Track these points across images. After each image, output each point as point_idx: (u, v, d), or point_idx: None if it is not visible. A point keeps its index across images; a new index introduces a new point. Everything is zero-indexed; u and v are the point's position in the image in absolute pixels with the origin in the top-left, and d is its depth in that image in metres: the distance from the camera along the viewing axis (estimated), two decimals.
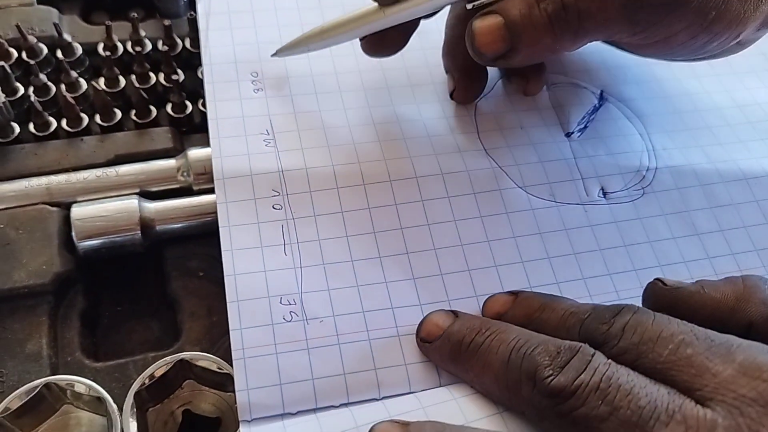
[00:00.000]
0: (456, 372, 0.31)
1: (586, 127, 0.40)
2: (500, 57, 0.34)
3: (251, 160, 0.37)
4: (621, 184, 0.38)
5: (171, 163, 0.39)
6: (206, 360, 0.32)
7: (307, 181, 0.36)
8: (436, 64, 0.42)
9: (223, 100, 0.40)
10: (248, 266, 0.33)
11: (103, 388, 0.31)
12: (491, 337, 0.29)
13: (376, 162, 0.38)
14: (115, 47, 0.44)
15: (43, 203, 0.36)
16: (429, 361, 0.32)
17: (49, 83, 0.42)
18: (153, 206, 0.37)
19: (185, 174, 0.39)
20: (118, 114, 0.41)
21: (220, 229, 0.34)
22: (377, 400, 0.31)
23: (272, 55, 0.40)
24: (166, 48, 0.44)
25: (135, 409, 0.30)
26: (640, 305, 0.28)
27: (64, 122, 0.41)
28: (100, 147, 0.40)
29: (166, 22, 0.44)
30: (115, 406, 0.30)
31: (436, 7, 0.35)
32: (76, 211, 0.36)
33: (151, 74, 0.43)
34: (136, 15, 0.44)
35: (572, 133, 0.40)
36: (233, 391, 0.30)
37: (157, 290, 0.37)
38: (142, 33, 0.45)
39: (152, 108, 0.42)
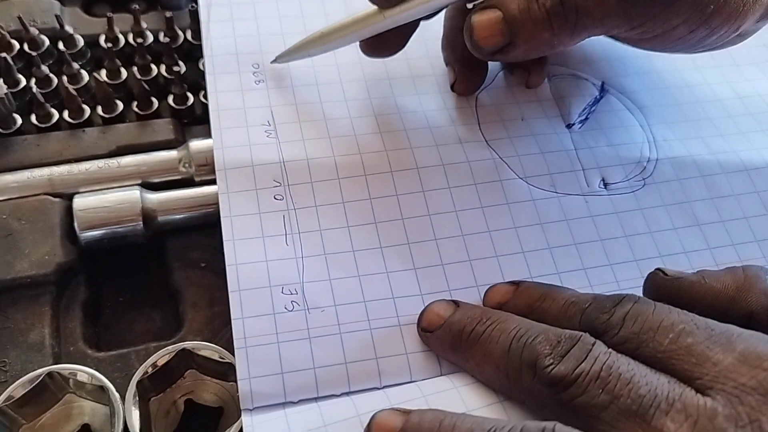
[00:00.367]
0: (457, 361, 0.31)
1: (587, 118, 0.40)
2: (498, 51, 0.34)
3: (253, 151, 0.37)
4: (622, 175, 0.38)
5: (173, 154, 0.39)
6: (208, 349, 0.32)
7: (308, 172, 0.37)
8: (437, 55, 0.42)
9: (224, 92, 0.40)
10: (250, 256, 0.33)
11: (106, 377, 0.31)
12: (492, 326, 0.29)
13: (377, 153, 0.38)
14: (117, 39, 0.44)
15: (45, 194, 0.37)
16: (430, 350, 0.32)
17: (51, 75, 0.42)
18: (155, 197, 0.37)
19: (187, 165, 0.39)
20: (120, 105, 0.41)
21: (222, 220, 0.34)
22: (378, 389, 0.31)
23: (272, 62, 0.40)
24: (167, 40, 0.44)
25: (137, 398, 0.30)
26: (641, 295, 0.28)
27: (66, 114, 0.41)
28: (102, 138, 0.40)
29: (168, 14, 0.44)
30: (117, 395, 0.30)
31: (435, 8, 0.35)
32: (79, 202, 0.36)
33: (153, 66, 0.43)
34: (137, 7, 0.44)
35: (573, 124, 0.40)
36: (235, 381, 0.30)
37: (159, 281, 0.37)
38: (144, 25, 0.45)
39: (154, 99, 0.42)
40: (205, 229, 0.37)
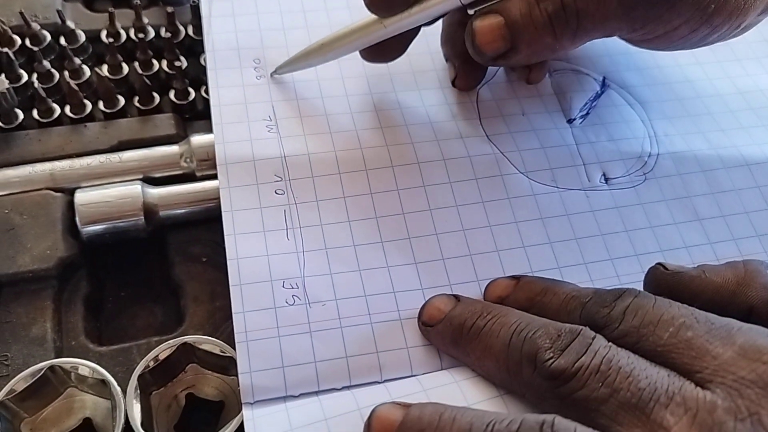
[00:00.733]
0: (457, 355, 0.31)
1: (588, 113, 0.40)
2: (500, 56, 0.34)
3: (254, 146, 0.37)
4: (623, 169, 0.38)
5: (174, 149, 0.39)
6: (209, 343, 0.32)
7: (309, 167, 0.37)
8: (438, 50, 0.42)
9: (225, 87, 0.40)
10: (251, 250, 0.33)
11: (107, 371, 0.31)
12: (492, 320, 0.29)
13: (378, 148, 0.38)
14: (118, 34, 0.44)
15: (47, 189, 0.37)
16: (430, 344, 0.32)
17: (53, 70, 0.42)
18: (156, 192, 0.37)
19: (188, 160, 0.39)
20: (122, 101, 0.41)
21: (223, 214, 0.34)
22: (379, 382, 0.31)
23: (272, 74, 0.40)
24: (168, 35, 0.44)
25: (139, 392, 0.31)
26: (642, 290, 0.28)
27: (67, 109, 0.41)
28: (103, 133, 0.40)
29: (169, 9, 0.44)
30: (119, 388, 0.30)
31: (435, 16, 0.35)
32: (80, 197, 0.36)
33: (154, 61, 0.43)
34: (138, 2, 0.44)
35: (574, 119, 0.40)
36: (236, 375, 0.30)
37: (161, 275, 0.38)
38: (145, 20, 0.45)
39: (155, 95, 0.42)
40: (206, 223, 0.37)
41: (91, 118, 0.41)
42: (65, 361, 0.31)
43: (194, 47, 0.45)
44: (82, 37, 0.44)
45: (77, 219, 0.35)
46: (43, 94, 0.40)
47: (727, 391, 0.23)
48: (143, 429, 0.29)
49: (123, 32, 0.45)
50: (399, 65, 0.42)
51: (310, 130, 0.38)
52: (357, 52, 0.38)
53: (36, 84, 0.41)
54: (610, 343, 0.26)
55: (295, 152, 0.37)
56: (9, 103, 0.39)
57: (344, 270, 0.34)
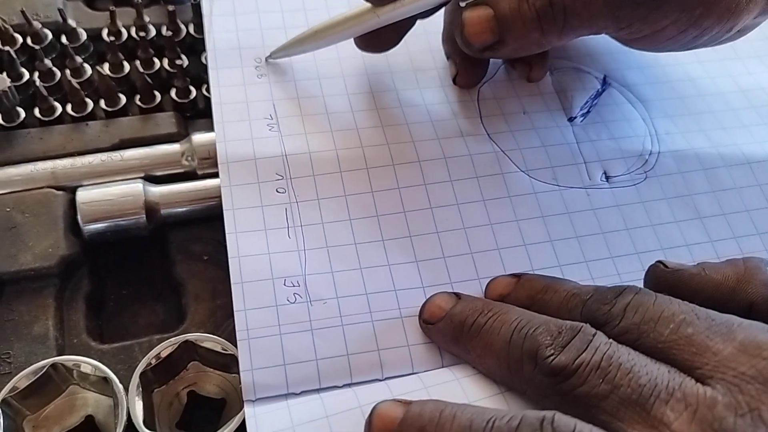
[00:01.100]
0: (458, 353, 0.31)
1: (588, 111, 0.40)
2: (488, 48, 0.35)
3: (255, 145, 0.37)
4: (623, 168, 0.38)
5: (175, 147, 0.39)
6: (211, 341, 0.32)
7: (310, 165, 0.37)
8: (439, 48, 0.42)
9: (227, 86, 0.40)
10: (252, 248, 0.33)
11: (109, 369, 0.31)
12: (493, 318, 0.29)
13: (379, 146, 0.38)
14: (120, 33, 0.44)
15: (48, 187, 0.37)
16: (431, 342, 0.32)
17: (54, 68, 0.42)
18: (158, 190, 0.37)
19: (189, 158, 0.39)
20: (123, 99, 0.41)
21: (225, 212, 0.34)
22: (380, 380, 0.31)
23: (267, 58, 0.41)
24: (170, 33, 0.44)
25: (141, 390, 0.31)
26: (642, 287, 0.28)
27: (69, 107, 0.41)
28: (104, 132, 0.40)
29: (170, 8, 0.44)
30: (121, 386, 0.30)
31: (427, 7, 0.35)
32: (82, 195, 0.36)
33: (155, 60, 0.43)
34: (140, 0, 0.44)
35: (575, 117, 0.40)
36: (237, 373, 0.30)
37: (162, 274, 0.38)
38: (146, 18, 0.45)
39: (156, 93, 0.42)
40: (207, 222, 0.37)
41: (92, 116, 0.41)
42: (67, 359, 0.31)
43: (195, 45, 0.45)
44: (84, 36, 0.44)
45: (79, 217, 0.36)
46: (45, 93, 0.40)
47: (727, 387, 0.23)
48: (145, 426, 0.29)
49: (124, 31, 0.45)
50: (400, 63, 0.42)
51: (311, 129, 0.38)
52: (354, 45, 0.39)
53: (37, 82, 0.41)
54: (611, 340, 0.26)
55: (297, 151, 0.37)
56: (10, 102, 0.40)
57: (345, 268, 0.34)
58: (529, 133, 0.39)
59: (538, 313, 0.29)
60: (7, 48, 0.41)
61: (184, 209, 0.37)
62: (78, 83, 0.41)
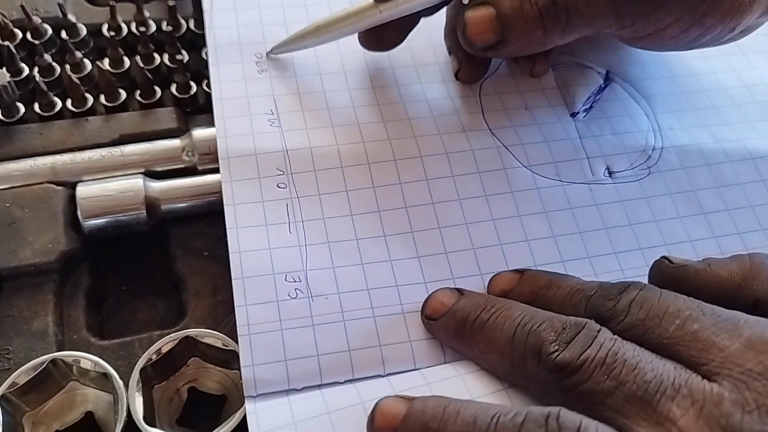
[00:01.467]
0: (461, 349, 0.31)
1: (591, 107, 0.40)
2: (491, 48, 0.34)
3: (256, 140, 0.37)
4: (627, 163, 0.38)
5: (176, 143, 0.39)
6: (212, 337, 0.32)
7: (311, 161, 0.36)
8: (441, 44, 0.41)
9: (227, 81, 0.40)
10: (253, 244, 0.33)
11: (109, 365, 0.31)
12: (496, 313, 0.29)
13: (381, 142, 0.38)
14: (120, 28, 0.44)
15: (48, 182, 0.37)
16: (433, 338, 0.32)
17: (54, 64, 0.42)
18: (158, 186, 0.37)
19: (190, 154, 0.38)
20: (123, 94, 0.41)
21: (225, 207, 0.34)
22: (382, 376, 0.31)
23: (268, 54, 0.41)
24: (170, 29, 0.44)
25: (141, 386, 0.30)
26: (647, 283, 0.28)
27: (69, 102, 0.40)
28: (105, 127, 0.40)
29: (171, 3, 0.44)
30: (121, 382, 0.30)
31: (430, 4, 0.35)
32: (82, 191, 0.36)
33: (156, 55, 0.43)
34: None
35: (578, 113, 0.40)
36: (238, 369, 0.30)
37: (163, 269, 0.37)
38: (147, 14, 0.45)
39: (156, 88, 0.42)
40: (208, 217, 0.37)
41: (92, 111, 0.41)
42: (67, 355, 0.31)
43: (195, 41, 0.45)
44: (84, 31, 0.44)
45: (79, 213, 0.35)
46: (45, 88, 0.40)
47: (734, 383, 0.23)
48: (145, 423, 0.29)
49: (124, 26, 0.44)
50: (401, 59, 0.41)
51: (312, 124, 0.38)
52: (358, 44, 0.38)
53: (37, 78, 0.40)
54: (616, 336, 0.25)
55: (298, 146, 0.37)
56: (10, 97, 0.39)
57: (347, 264, 0.33)
58: (532, 129, 0.39)
59: (541, 309, 0.28)
60: (6, 43, 0.41)
61: (185, 205, 0.37)
62: (78, 78, 0.41)
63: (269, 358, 0.30)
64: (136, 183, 0.36)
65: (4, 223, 0.35)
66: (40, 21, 0.43)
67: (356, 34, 0.38)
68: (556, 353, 0.25)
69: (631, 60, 0.43)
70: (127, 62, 0.43)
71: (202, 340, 0.32)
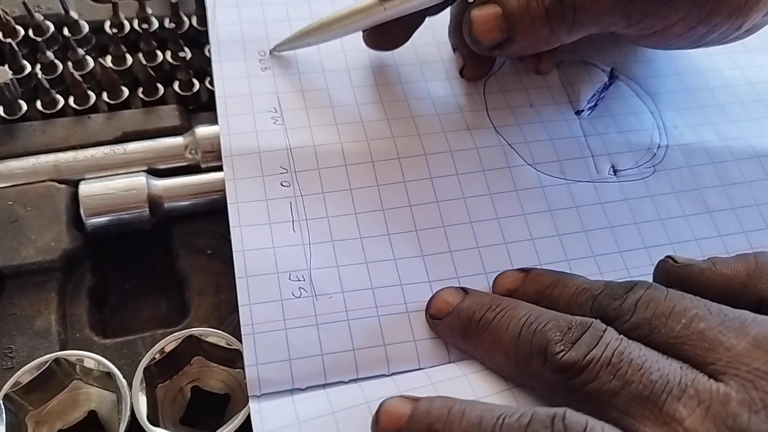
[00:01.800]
0: (466, 348, 0.30)
1: (596, 105, 0.40)
2: (497, 46, 0.34)
3: (259, 138, 0.37)
4: (631, 161, 0.38)
5: (178, 140, 0.39)
6: (215, 336, 0.32)
7: (315, 159, 0.36)
8: (445, 41, 0.41)
9: (230, 78, 0.39)
10: (257, 242, 0.33)
11: (112, 364, 0.31)
12: (501, 313, 0.29)
13: (385, 140, 0.37)
14: (122, 25, 0.44)
15: (51, 180, 0.36)
16: (438, 337, 0.32)
17: (56, 61, 0.42)
18: (161, 183, 0.37)
19: (193, 152, 0.38)
20: (126, 92, 0.41)
21: (229, 206, 0.34)
22: (386, 376, 0.31)
23: (271, 51, 0.40)
24: (172, 26, 0.43)
25: (144, 385, 0.30)
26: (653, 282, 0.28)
27: (71, 100, 0.40)
28: (107, 125, 0.39)
29: (173, 0, 0.44)
30: (124, 381, 0.30)
31: (435, 2, 0.35)
32: (84, 188, 0.36)
33: (158, 52, 0.43)
34: None
35: (582, 111, 0.40)
36: (242, 368, 0.30)
37: (166, 268, 0.37)
38: (149, 11, 0.44)
39: (159, 86, 0.42)
40: (211, 215, 0.37)
41: (95, 109, 0.41)
42: (70, 354, 0.31)
43: (198, 38, 0.45)
44: (86, 28, 0.44)
45: (81, 211, 0.35)
46: (47, 85, 0.40)
47: (741, 383, 0.23)
48: (149, 422, 0.29)
49: (127, 23, 0.44)
50: (405, 56, 0.41)
51: (316, 122, 0.38)
52: (362, 41, 0.38)
53: (39, 75, 0.40)
54: (622, 336, 0.25)
55: (301, 144, 0.37)
56: (12, 95, 0.39)
57: (351, 262, 0.33)
58: (536, 127, 0.39)
59: (547, 308, 0.28)
60: (8, 40, 0.41)
61: (188, 203, 0.37)
62: (80, 76, 0.41)
63: (273, 358, 0.30)
64: (138, 181, 0.36)
65: (6, 222, 0.35)
66: (42, 18, 0.43)
67: (360, 33, 0.38)
68: (562, 353, 0.25)
69: (636, 58, 0.42)
70: (129, 59, 0.43)
71: (206, 339, 0.32)
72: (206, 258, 0.36)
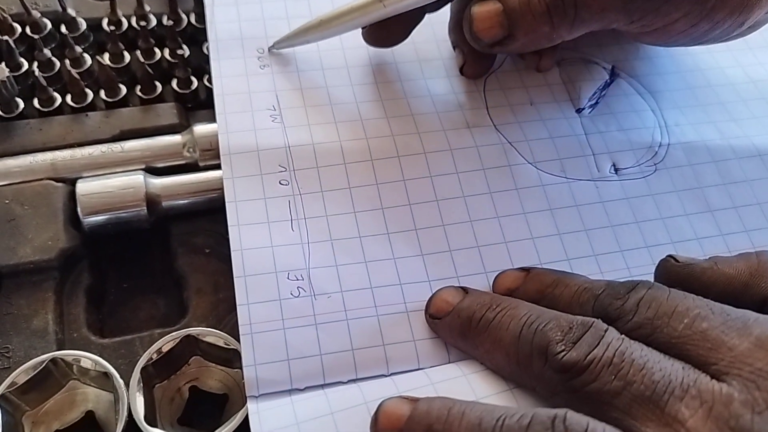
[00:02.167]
0: (466, 348, 0.30)
1: (597, 102, 0.40)
2: (497, 43, 0.34)
3: (258, 136, 0.36)
4: (633, 160, 0.38)
5: (176, 138, 0.39)
6: (213, 336, 0.31)
7: (314, 157, 0.36)
8: (444, 39, 0.41)
9: (229, 76, 0.39)
10: (255, 241, 0.33)
11: (110, 364, 0.30)
12: (502, 312, 0.28)
13: (384, 138, 0.37)
14: (120, 22, 0.44)
15: (48, 179, 0.36)
16: (437, 337, 0.31)
17: (54, 58, 0.42)
18: (159, 182, 0.37)
19: (191, 150, 0.38)
20: (123, 89, 0.41)
21: (227, 204, 0.34)
22: (386, 376, 0.30)
23: (270, 48, 0.40)
24: (171, 23, 0.43)
25: (142, 385, 0.30)
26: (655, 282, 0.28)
27: (68, 98, 0.40)
28: (105, 123, 0.39)
29: None
30: (122, 381, 0.30)
31: None
32: (82, 187, 0.36)
33: (156, 50, 0.43)
34: None
35: (583, 109, 0.39)
36: (240, 368, 0.30)
37: (164, 267, 0.37)
38: (147, 8, 0.44)
39: (157, 83, 0.41)
40: (209, 214, 0.37)
41: (92, 107, 0.40)
42: (67, 354, 0.31)
43: (196, 35, 0.44)
44: (83, 25, 0.43)
45: (79, 209, 0.35)
46: (44, 83, 0.39)
47: (743, 383, 0.22)
48: (146, 422, 0.29)
49: (124, 20, 0.44)
50: (405, 54, 0.41)
51: (315, 120, 0.38)
52: (358, 35, 0.38)
53: (37, 72, 0.40)
54: (623, 336, 0.25)
55: (300, 142, 0.36)
56: (9, 92, 0.39)
57: (350, 261, 0.33)
58: (537, 125, 0.38)
59: (547, 308, 0.28)
60: (5, 37, 0.40)
61: (186, 201, 0.37)
62: (78, 73, 0.40)
63: (272, 358, 0.30)
64: (136, 179, 0.36)
65: (3, 220, 0.35)
66: (39, 15, 0.43)
67: (359, 31, 0.38)
68: (563, 353, 0.25)
69: (638, 55, 0.42)
70: (127, 57, 0.42)
71: (204, 339, 0.32)
72: (204, 257, 0.36)
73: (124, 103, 0.41)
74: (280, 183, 0.35)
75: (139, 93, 0.41)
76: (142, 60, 0.42)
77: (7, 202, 0.35)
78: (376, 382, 0.30)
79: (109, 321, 0.36)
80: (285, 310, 0.31)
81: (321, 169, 0.36)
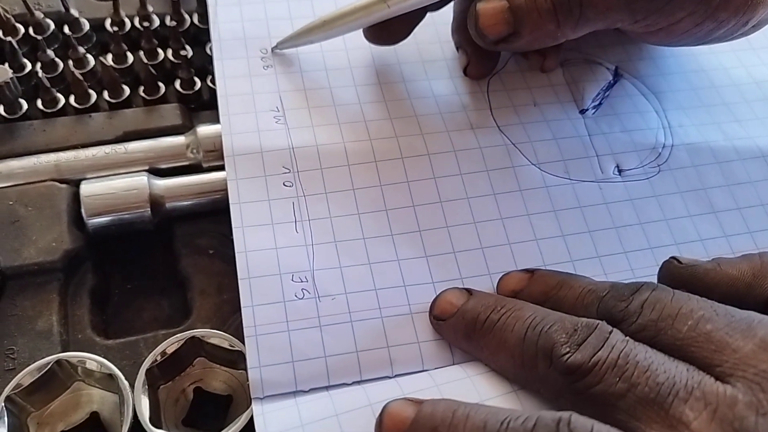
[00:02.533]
0: (470, 350, 0.30)
1: (600, 103, 0.40)
2: (502, 40, 0.34)
3: (261, 137, 0.36)
4: (636, 161, 0.38)
5: (180, 140, 0.39)
6: (218, 337, 0.32)
7: (318, 159, 0.36)
8: (448, 39, 0.41)
9: (232, 77, 0.39)
10: (259, 243, 0.33)
11: (114, 365, 0.31)
12: (506, 314, 0.28)
13: (388, 139, 0.37)
14: (123, 23, 0.44)
15: (52, 180, 0.36)
16: (442, 339, 0.31)
17: (57, 59, 0.42)
18: (162, 183, 0.37)
19: (194, 151, 0.38)
20: (127, 90, 0.41)
21: (231, 206, 0.34)
22: (390, 377, 0.30)
23: (273, 49, 0.40)
24: (174, 23, 0.43)
25: (146, 386, 0.30)
26: (659, 283, 0.28)
27: (72, 99, 0.40)
28: (108, 124, 0.39)
29: None
30: (126, 383, 0.30)
31: None
32: (86, 188, 0.36)
33: (159, 50, 0.43)
34: None
35: (587, 110, 0.39)
36: (245, 369, 0.30)
37: (168, 268, 0.37)
38: (150, 8, 0.44)
39: (160, 84, 0.41)
40: (213, 215, 0.37)
41: (95, 108, 0.40)
42: (72, 355, 0.31)
43: (200, 36, 0.45)
44: (86, 26, 0.43)
45: (83, 211, 0.35)
46: (47, 84, 0.39)
47: (748, 385, 0.22)
48: (151, 424, 0.29)
49: (127, 21, 0.44)
50: (408, 55, 0.41)
51: (319, 121, 0.38)
52: (362, 36, 0.38)
53: (40, 73, 0.40)
54: (628, 338, 0.25)
55: (304, 144, 0.36)
56: (13, 93, 0.39)
57: (354, 263, 0.33)
58: (540, 126, 0.38)
59: (552, 309, 0.28)
60: (8, 38, 0.40)
61: (190, 202, 0.37)
62: (81, 74, 0.40)
63: (276, 360, 0.30)
64: (140, 181, 0.36)
65: (7, 222, 0.35)
66: (42, 16, 0.43)
67: (362, 31, 0.38)
68: (568, 355, 0.25)
69: (641, 56, 0.42)
70: (130, 58, 0.42)
71: (208, 341, 0.32)
72: (208, 258, 0.36)
73: (127, 104, 0.41)
74: (284, 184, 0.35)
75: (143, 94, 0.41)
76: (145, 61, 0.42)
77: (11, 203, 0.35)
78: (380, 384, 0.30)
79: (114, 322, 0.36)
80: (289, 312, 0.31)
81: (325, 170, 0.36)
